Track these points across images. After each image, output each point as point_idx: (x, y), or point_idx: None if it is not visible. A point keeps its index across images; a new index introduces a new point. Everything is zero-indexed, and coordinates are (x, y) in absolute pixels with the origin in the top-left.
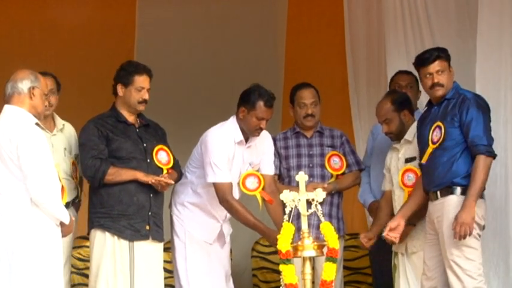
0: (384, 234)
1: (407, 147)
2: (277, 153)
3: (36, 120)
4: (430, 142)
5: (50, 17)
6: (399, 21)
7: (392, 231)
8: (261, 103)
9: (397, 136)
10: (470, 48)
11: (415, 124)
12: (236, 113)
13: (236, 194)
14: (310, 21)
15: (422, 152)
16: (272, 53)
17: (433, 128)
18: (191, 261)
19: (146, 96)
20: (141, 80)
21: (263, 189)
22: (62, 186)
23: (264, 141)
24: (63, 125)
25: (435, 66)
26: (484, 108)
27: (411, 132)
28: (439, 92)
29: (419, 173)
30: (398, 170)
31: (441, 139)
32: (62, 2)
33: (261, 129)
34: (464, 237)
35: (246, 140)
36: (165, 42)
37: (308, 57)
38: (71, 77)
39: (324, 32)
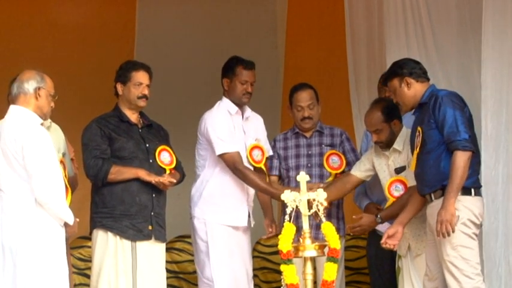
0: (382, 241)
1: (397, 157)
2: (277, 154)
3: (42, 121)
4: (415, 148)
5: (50, 16)
6: (400, 20)
7: (391, 239)
8: (240, 67)
9: (387, 145)
10: (471, 47)
11: (403, 132)
12: (223, 92)
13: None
14: (310, 21)
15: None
16: (272, 53)
17: (416, 134)
18: (214, 257)
19: (146, 91)
20: (139, 76)
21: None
22: (66, 187)
23: (259, 119)
24: (50, 123)
25: (390, 88)
26: (456, 103)
27: (400, 141)
28: (402, 110)
29: (408, 183)
30: (387, 177)
31: (419, 143)
32: (62, 2)
33: (249, 93)
34: (449, 235)
35: (243, 113)
36: (165, 42)
37: (308, 57)
38: (70, 76)
39: (324, 31)
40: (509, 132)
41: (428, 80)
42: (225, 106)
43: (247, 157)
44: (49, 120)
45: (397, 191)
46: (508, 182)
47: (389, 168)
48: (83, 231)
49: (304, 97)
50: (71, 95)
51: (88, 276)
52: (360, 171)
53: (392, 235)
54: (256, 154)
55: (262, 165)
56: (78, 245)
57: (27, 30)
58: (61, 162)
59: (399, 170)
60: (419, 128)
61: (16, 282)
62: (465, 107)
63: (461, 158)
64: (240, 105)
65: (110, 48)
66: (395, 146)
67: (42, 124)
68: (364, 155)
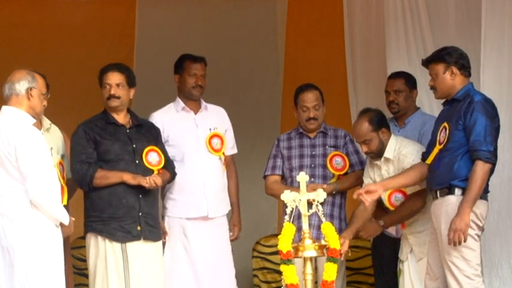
0: (359, 191)
1: (389, 166)
2: (280, 154)
3: (34, 121)
4: (437, 142)
5: (50, 16)
6: (400, 21)
7: (368, 194)
8: (188, 61)
9: (378, 154)
10: (471, 48)
11: (392, 141)
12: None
13: (203, 160)
14: (310, 21)
15: (428, 151)
16: (272, 53)
17: (441, 128)
18: (167, 258)
19: (112, 91)
20: (105, 77)
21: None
22: (62, 187)
23: (220, 111)
24: (50, 124)
25: (430, 70)
26: (489, 112)
27: (390, 150)
28: (435, 95)
29: (408, 192)
30: None
31: (445, 140)
32: (62, 2)
33: (199, 86)
34: (460, 243)
35: (198, 108)
36: (165, 42)
37: (308, 58)
38: (70, 77)
39: (323, 32)
40: (509, 133)
41: (469, 76)
42: (170, 106)
43: (206, 145)
44: (48, 122)
45: (397, 200)
46: (508, 183)
47: (383, 178)
48: (83, 231)
49: (310, 98)
50: (70, 95)
51: (87, 276)
52: None
53: (371, 191)
54: (216, 143)
55: (221, 154)
56: (78, 245)
57: (27, 30)
58: (60, 163)
59: None
60: (445, 124)
61: (14, 283)
62: (496, 117)
63: (482, 169)
64: (193, 100)
65: (110, 48)
66: (386, 154)
67: (41, 125)
68: (364, 174)
